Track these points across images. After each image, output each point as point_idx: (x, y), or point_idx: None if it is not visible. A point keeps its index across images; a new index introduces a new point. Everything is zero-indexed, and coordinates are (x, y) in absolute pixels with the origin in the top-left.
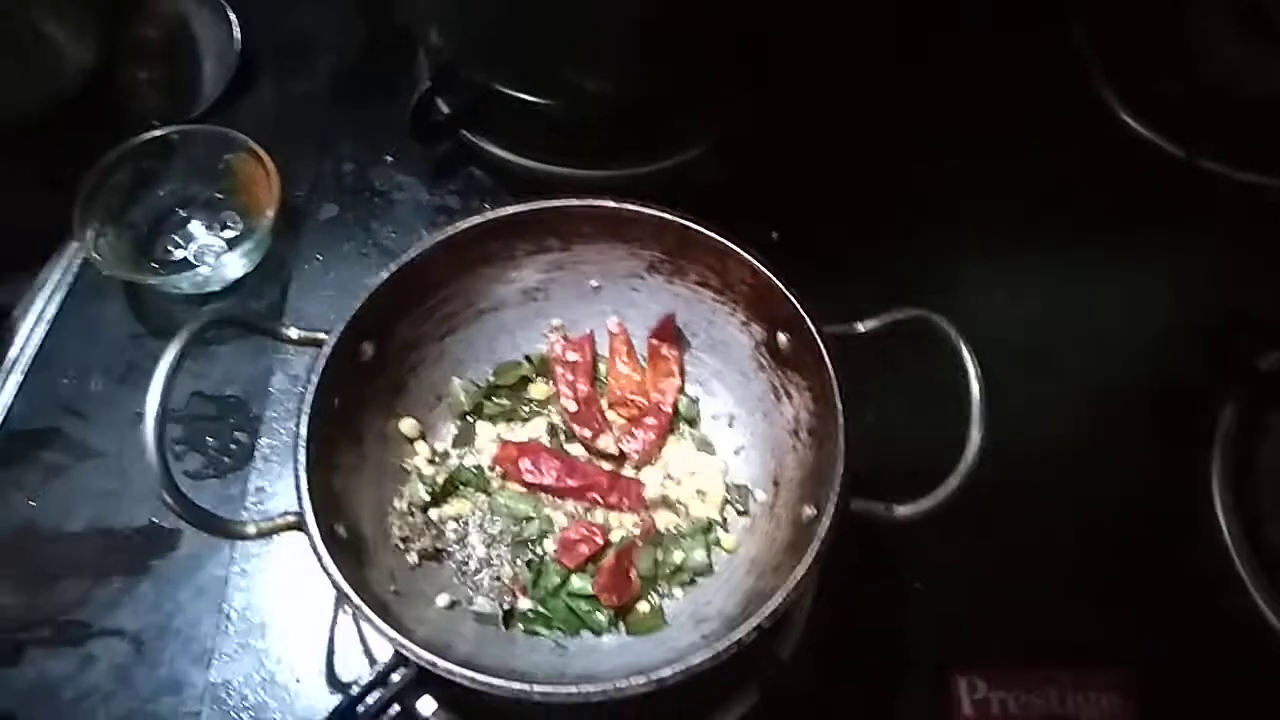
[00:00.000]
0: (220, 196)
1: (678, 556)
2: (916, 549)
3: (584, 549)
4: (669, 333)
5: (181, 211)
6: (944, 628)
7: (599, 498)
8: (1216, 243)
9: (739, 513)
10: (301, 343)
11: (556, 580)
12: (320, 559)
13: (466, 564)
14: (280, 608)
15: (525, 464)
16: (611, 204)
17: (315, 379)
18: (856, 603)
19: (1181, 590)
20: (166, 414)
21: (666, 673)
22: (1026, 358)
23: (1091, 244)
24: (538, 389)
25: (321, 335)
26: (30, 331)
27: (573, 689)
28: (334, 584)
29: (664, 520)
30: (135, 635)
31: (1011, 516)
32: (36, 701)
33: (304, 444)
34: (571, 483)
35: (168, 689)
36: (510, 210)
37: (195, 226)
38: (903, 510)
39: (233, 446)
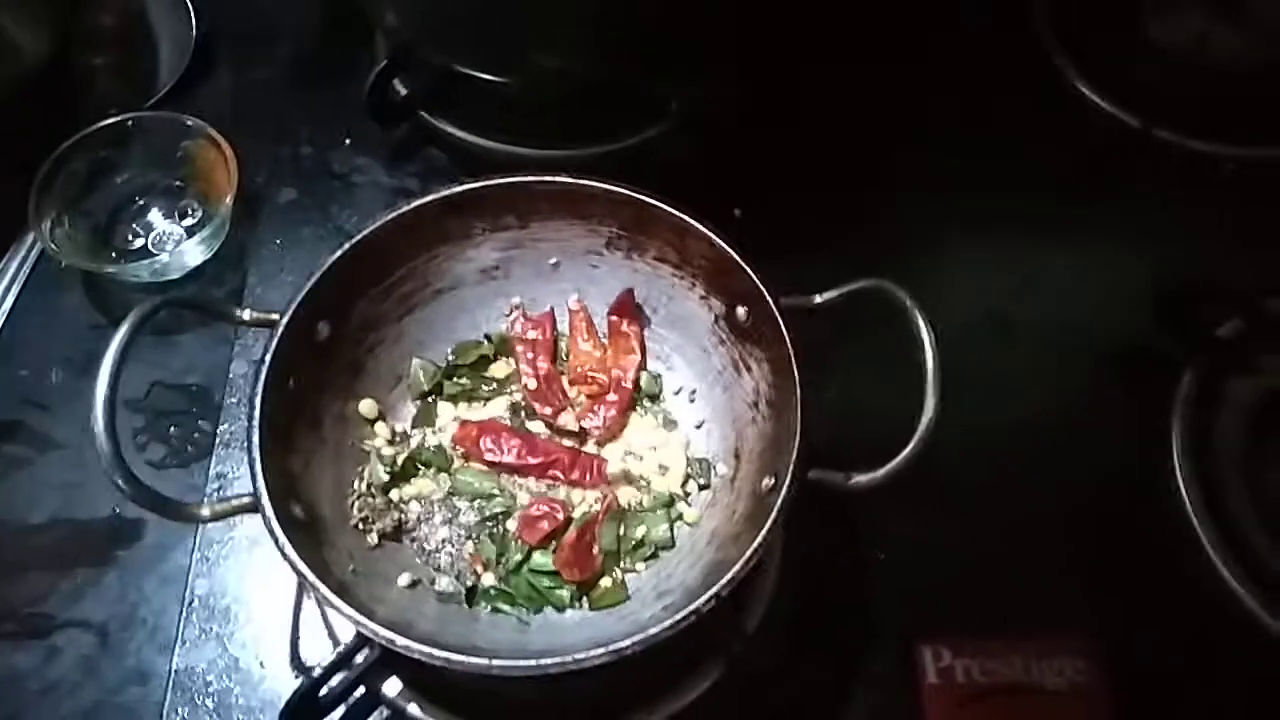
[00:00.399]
0: (179, 184)
1: (640, 531)
2: (880, 521)
3: (545, 525)
4: (628, 308)
5: (140, 199)
6: (908, 598)
7: (560, 474)
8: (1175, 213)
9: (700, 486)
10: (255, 324)
11: (518, 557)
12: (276, 540)
13: (428, 543)
14: (244, 593)
15: (486, 442)
16: (568, 180)
17: (268, 359)
18: (821, 575)
19: (1143, 557)
20: (116, 396)
21: (625, 644)
22: (987, 330)
23: (1050, 215)
24: (498, 368)
25: (275, 316)
26: None
27: (531, 662)
28: (290, 564)
29: (626, 496)
30: (101, 626)
31: (973, 487)
32: (2, 695)
33: (258, 426)
34: (533, 460)
35: (134, 679)
36: (466, 187)
37: (154, 215)
38: (859, 479)
39: (195, 435)
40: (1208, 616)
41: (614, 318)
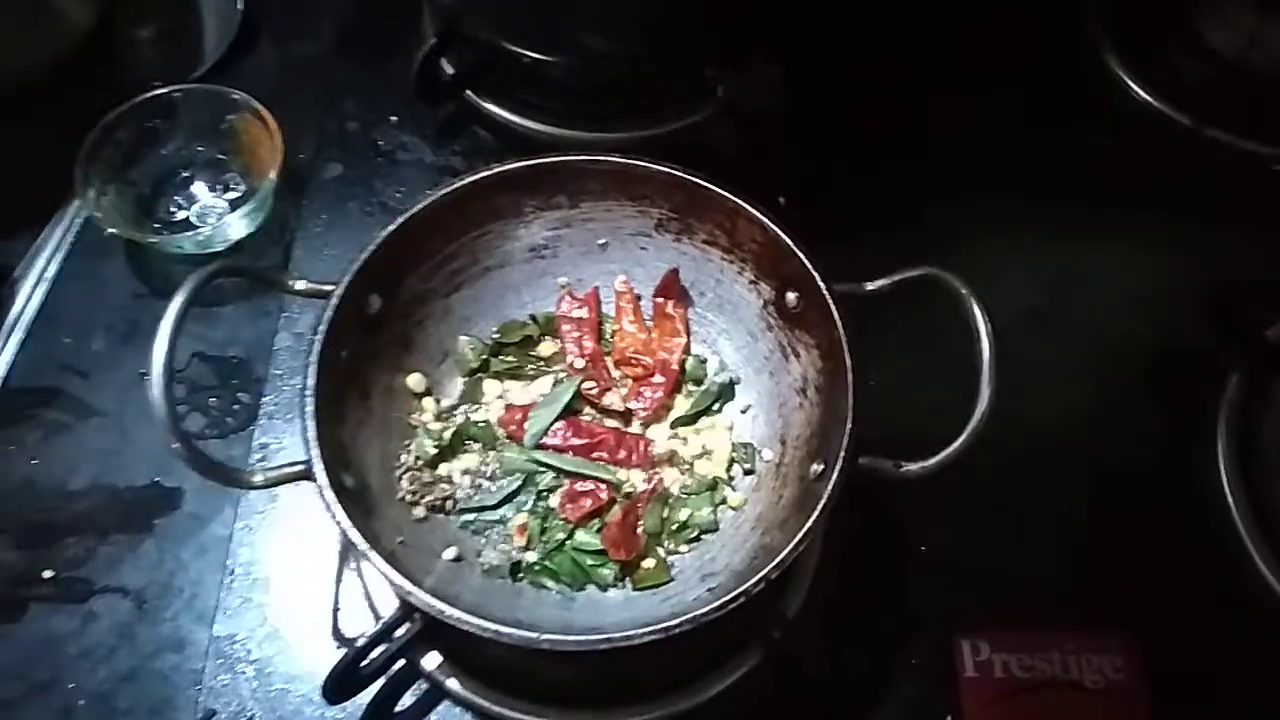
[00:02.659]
0: (223, 157)
1: (683, 514)
2: (921, 513)
3: (588, 503)
4: (674, 289)
5: (184, 171)
6: (948, 590)
7: (606, 455)
8: (1224, 212)
9: (745, 471)
10: (308, 294)
11: (562, 535)
12: (329, 506)
13: (473, 518)
14: (285, 564)
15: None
16: (621, 160)
17: (323, 329)
18: (862, 565)
19: (1184, 556)
20: (174, 362)
21: (674, 622)
22: (1034, 325)
23: (1097, 213)
24: (544, 347)
25: (329, 287)
26: (32, 291)
27: (580, 638)
28: (342, 531)
29: (670, 478)
30: (138, 593)
31: (1015, 481)
32: (40, 658)
33: (312, 394)
34: (577, 442)
35: (170, 646)
36: (518, 165)
37: (198, 187)
38: (910, 467)
39: (235, 407)
40: (1249, 618)
41: (659, 299)
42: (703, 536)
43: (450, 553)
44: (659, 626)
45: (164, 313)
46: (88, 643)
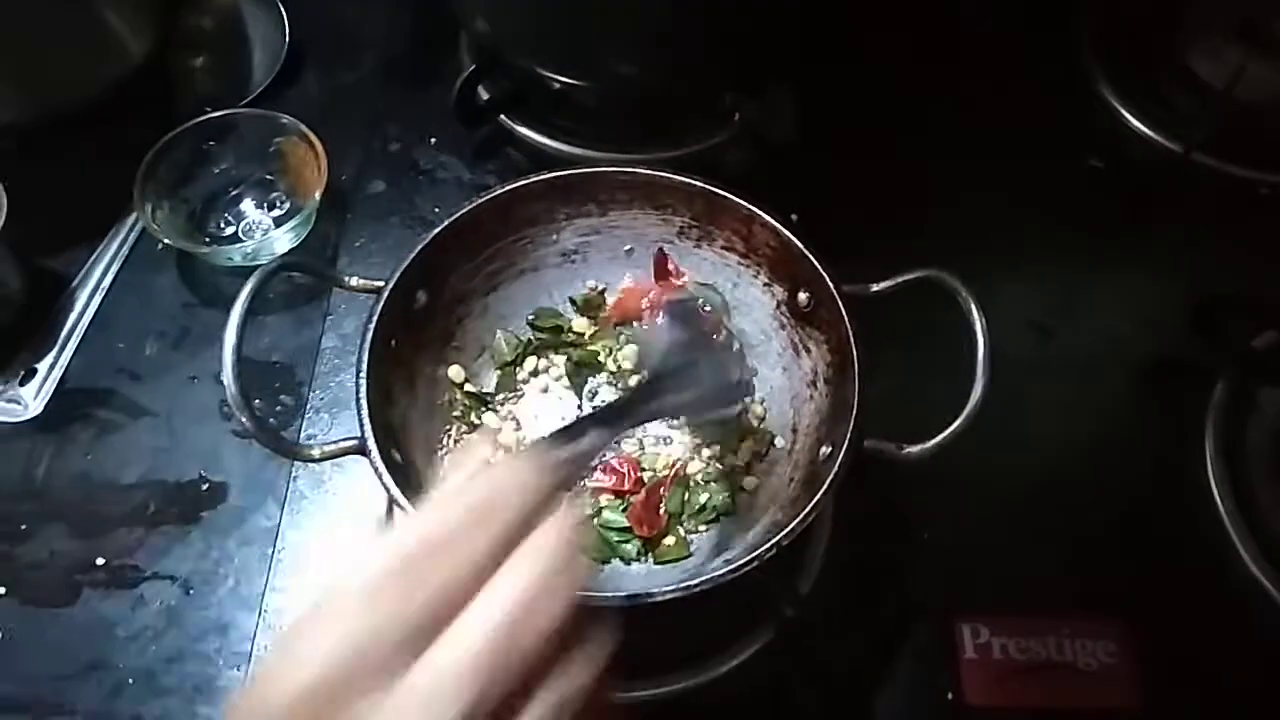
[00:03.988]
0: (270, 177)
1: (703, 498)
2: (925, 503)
3: (613, 482)
4: (664, 269)
5: (233, 190)
6: (950, 575)
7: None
8: (1212, 232)
9: (760, 456)
10: (361, 290)
11: (589, 511)
12: (380, 475)
13: None
14: (329, 547)
15: None
16: (647, 172)
17: (375, 318)
18: (867, 552)
19: (1175, 549)
20: (241, 345)
21: (694, 581)
22: (1032, 336)
23: (1095, 233)
24: (579, 323)
25: (379, 283)
26: (90, 298)
27: (605, 593)
28: (391, 497)
29: (693, 467)
30: (185, 580)
31: (1015, 478)
32: (91, 639)
33: (365, 374)
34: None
35: (215, 629)
36: (555, 174)
37: (246, 204)
38: (911, 449)
39: (278, 409)
40: (1233, 606)
41: (660, 283)
42: (720, 519)
43: None
44: (680, 585)
45: (212, 321)
46: (137, 625)
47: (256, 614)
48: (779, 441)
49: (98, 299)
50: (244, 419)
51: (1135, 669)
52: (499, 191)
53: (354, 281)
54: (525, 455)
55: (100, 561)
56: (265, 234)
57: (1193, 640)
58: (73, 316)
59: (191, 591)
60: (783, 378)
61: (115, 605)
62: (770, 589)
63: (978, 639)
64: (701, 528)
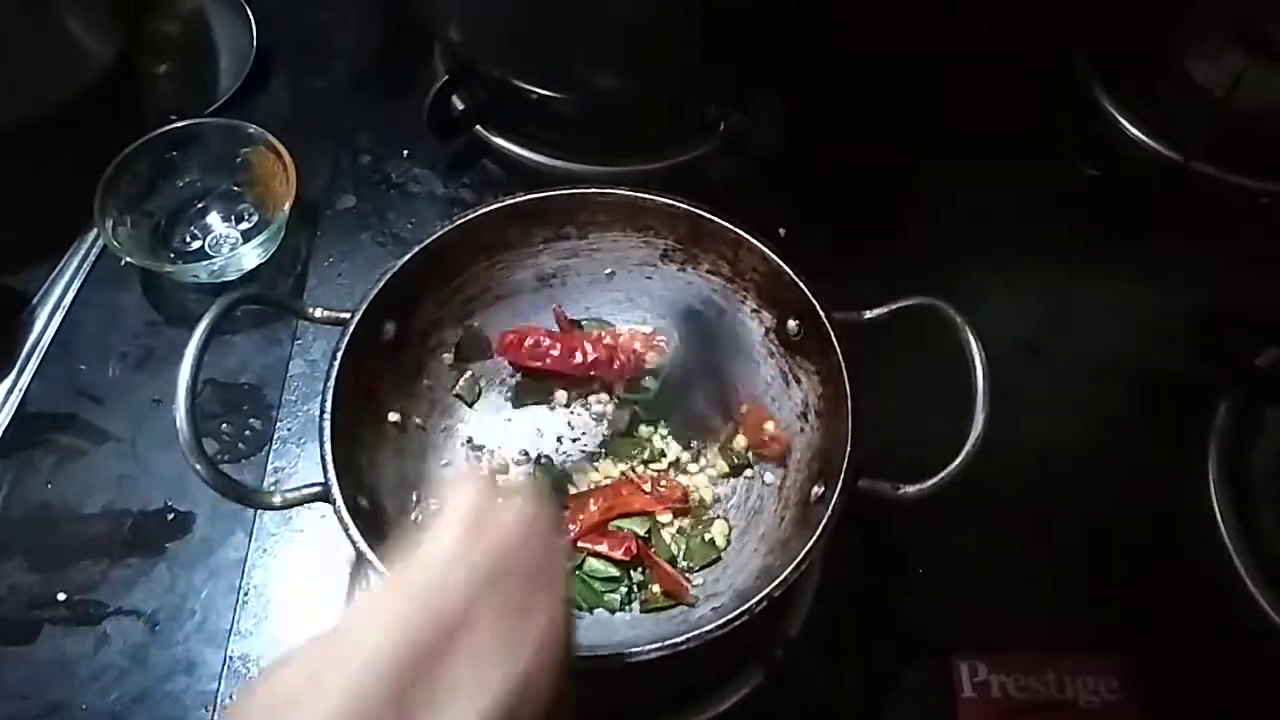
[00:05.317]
0: (237, 189)
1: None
2: (919, 536)
3: (606, 545)
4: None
5: (199, 203)
6: (946, 612)
7: (602, 375)
8: (1212, 244)
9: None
10: (326, 321)
11: (574, 560)
12: (345, 527)
13: None
14: (298, 586)
15: (529, 343)
16: (628, 192)
17: (340, 355)
18: (861, 586)
19: (1177, 579)
20: (197, 386)
21: (680, 639)
22: (1027, 355)
23: (1092, 245)
24: None
25: (344, 315)
26: (49, 318)
27: (587, 654)
28: (357, 550)
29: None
30: (150, 615)
31: (1010, 507)
32: (53, 678)
33: (328, 417)
34: (575, 360)
35: (182, 668)
36: (530, 197)
37: (212, 218)
38: (908, 489)
39: (247, 433)
40: (1241, 640)
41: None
42: (709, 563)
43: None
44: (668, 642)
45: (178, 340)
46: (100, 664)
47: (223, 652)
48: (767, 476)
49: (58, 318)
50: (199, 468)
51: (1139, 707)
52: (471, 215)
53: (318, 313)
54: (524, 509)
55: (61, 596)
56: (233, 249)
57: (1198, 676)
58: (32, 337)
59: (157, 628)
60: (772, 408)
61: (77, 643)
62: (759, 631)
63: (976, 677)
64: (688, 574)
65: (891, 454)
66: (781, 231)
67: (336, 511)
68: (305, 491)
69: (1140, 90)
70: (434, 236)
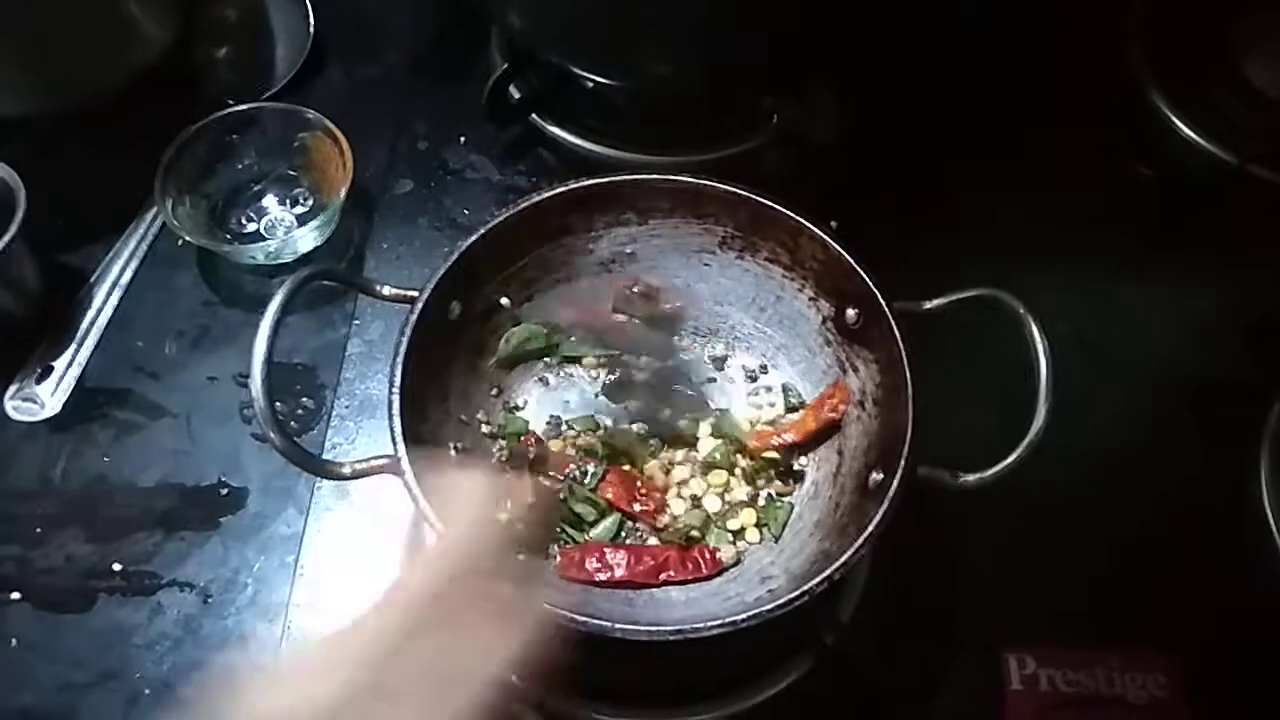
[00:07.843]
0: (293, 173)
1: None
2: (970, 527)
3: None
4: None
5: (256, 185)
6: (996, 605)
7: (673, 574)
8: (1266, 247)
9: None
10: (394, 299)
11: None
12: (415, 499)
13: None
14: (353, 563)
15: (590, 563)
16: (690, 179)
17: (409, 331)
18: (912, 578)
19: (1228, 578)
20: (272, 356)
21: (740, 616)
22: (1079, 352)
23: (1145, 245)
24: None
25: (413, 293)
26: (108, 295)
27: (650, 628)
28: (428, 521)
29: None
30: (204, 588)
31: (1061, 501)
32: (107, 647)
33: (398, 391)
34: (641, 568)
35: (234, 640)
36: (594, 181)
37: (268, 200)
38: (968, 478)
39: (299, 412)
40: None
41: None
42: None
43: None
44: (726, 620)
45: (232, 320)
46: (154, 634)
47: (279, 625)
48: (823, 463)
49: (116, 296)
50: (275, 438)
51: (1188, 704)
52: (537, 199)
53: (387, 291)
54: None
55: (117, 567)
56: (288, 232)
57: (1248, 676)
58: (90, 314)
59: (210, 600)
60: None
61: (131, 613)
62: (810, 616)
63: (1024, 670)
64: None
65: (945, 444)
66: (833, 224)
67: (407, 484)
68: (374, 463)
69: (1196, 92)
70: (500, 218)
